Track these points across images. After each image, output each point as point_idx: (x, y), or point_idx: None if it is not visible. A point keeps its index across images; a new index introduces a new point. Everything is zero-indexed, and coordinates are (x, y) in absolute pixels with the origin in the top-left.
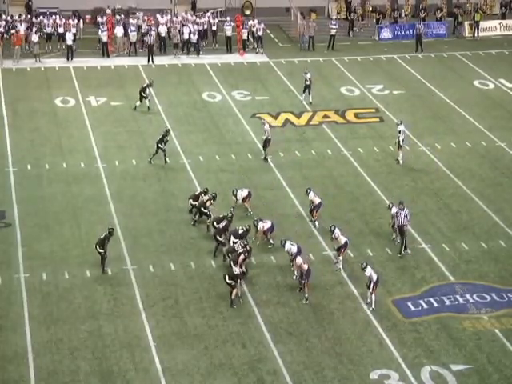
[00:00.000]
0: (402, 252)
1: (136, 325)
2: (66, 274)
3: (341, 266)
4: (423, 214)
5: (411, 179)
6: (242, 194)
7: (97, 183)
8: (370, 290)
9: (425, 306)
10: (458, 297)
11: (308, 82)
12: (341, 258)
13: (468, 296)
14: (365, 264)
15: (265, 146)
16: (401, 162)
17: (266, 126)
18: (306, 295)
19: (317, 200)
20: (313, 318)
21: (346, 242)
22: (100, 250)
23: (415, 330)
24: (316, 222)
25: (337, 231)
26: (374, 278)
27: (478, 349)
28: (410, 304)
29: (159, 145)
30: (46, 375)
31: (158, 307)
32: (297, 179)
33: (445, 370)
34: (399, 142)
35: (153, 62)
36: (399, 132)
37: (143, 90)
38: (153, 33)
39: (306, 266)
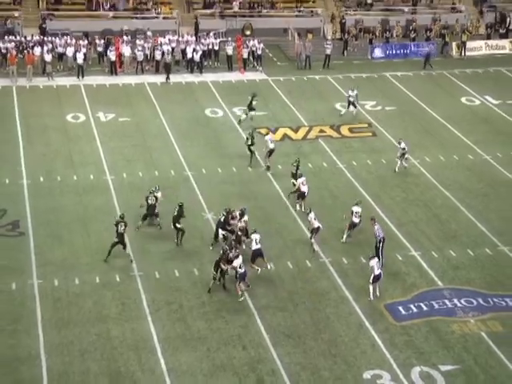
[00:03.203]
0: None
1: (142, 328)
2: (76, 280)
3: (316, 248)
4: (413, 224)
5: (402, 190)
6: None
7: (106, 194)
8: (370, 280)
9: (415, 310)
10: (446, 301)
11: (352, 99)
12: (313, 240)
13: (456, 300)
14: (371, 255)
15: (268, 155)
16: (397, 169)
17: (267, 137)
18: (240, 293)
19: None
20: (309, 321)
21: (318, 227)
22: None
23: (406, 332)
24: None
25: (311, 215)
26: (376, 272)
27: (465, 350)
28: (401, 308)
29: (250, 148)
30: (57, 376)
31: (163, 311)
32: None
33: (434, 370)
34: (401, 156)
35: (169, 79)
36: (403, 149)
37: (251, 102)
38: (167, 50)
39: (241, 270)
